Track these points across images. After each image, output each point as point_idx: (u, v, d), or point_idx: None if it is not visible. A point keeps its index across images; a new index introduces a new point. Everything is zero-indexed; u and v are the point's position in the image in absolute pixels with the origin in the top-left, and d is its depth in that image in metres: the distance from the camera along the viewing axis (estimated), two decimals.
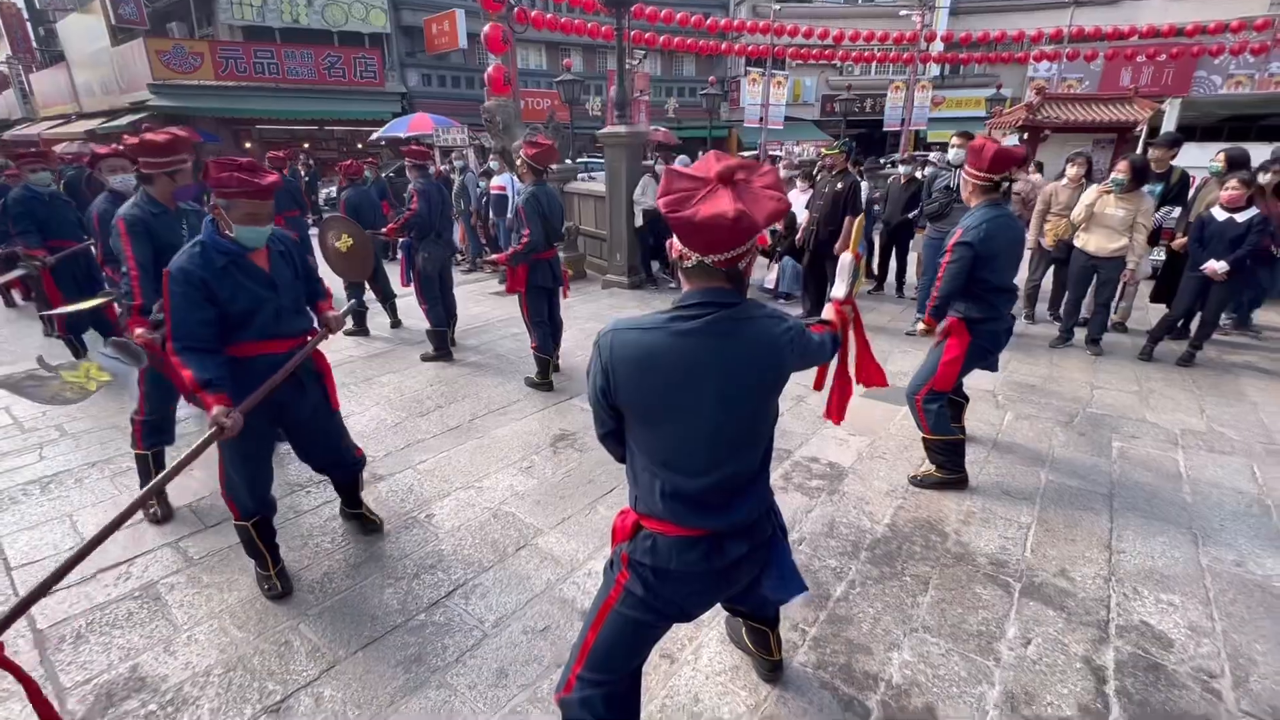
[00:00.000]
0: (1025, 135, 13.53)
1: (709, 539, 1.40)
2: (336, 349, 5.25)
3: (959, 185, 5.31)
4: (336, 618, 2.35)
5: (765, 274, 7.59)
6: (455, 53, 21.49)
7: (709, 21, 15.63)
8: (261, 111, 18.76)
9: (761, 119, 18.35)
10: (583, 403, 4.36)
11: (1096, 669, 2.10)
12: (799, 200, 7.33)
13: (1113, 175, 5.05)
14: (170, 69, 17.59)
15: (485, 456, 3.60)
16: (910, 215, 6.74)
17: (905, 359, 5.06)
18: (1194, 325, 5.14)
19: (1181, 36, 15.92)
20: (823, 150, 6.45)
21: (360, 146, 20.02)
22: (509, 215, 7.73)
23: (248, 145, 19.90)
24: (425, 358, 5.15)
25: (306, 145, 20.72)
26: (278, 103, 18.88)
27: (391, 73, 21.19)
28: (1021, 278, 4.15)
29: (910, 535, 2.83)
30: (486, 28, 9.47)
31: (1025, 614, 2.35)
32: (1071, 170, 5.69)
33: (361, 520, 2.90)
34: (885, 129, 20.18)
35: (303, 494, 3.20)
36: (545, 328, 4.35)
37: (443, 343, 5.11)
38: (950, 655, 2.16)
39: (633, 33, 13.50)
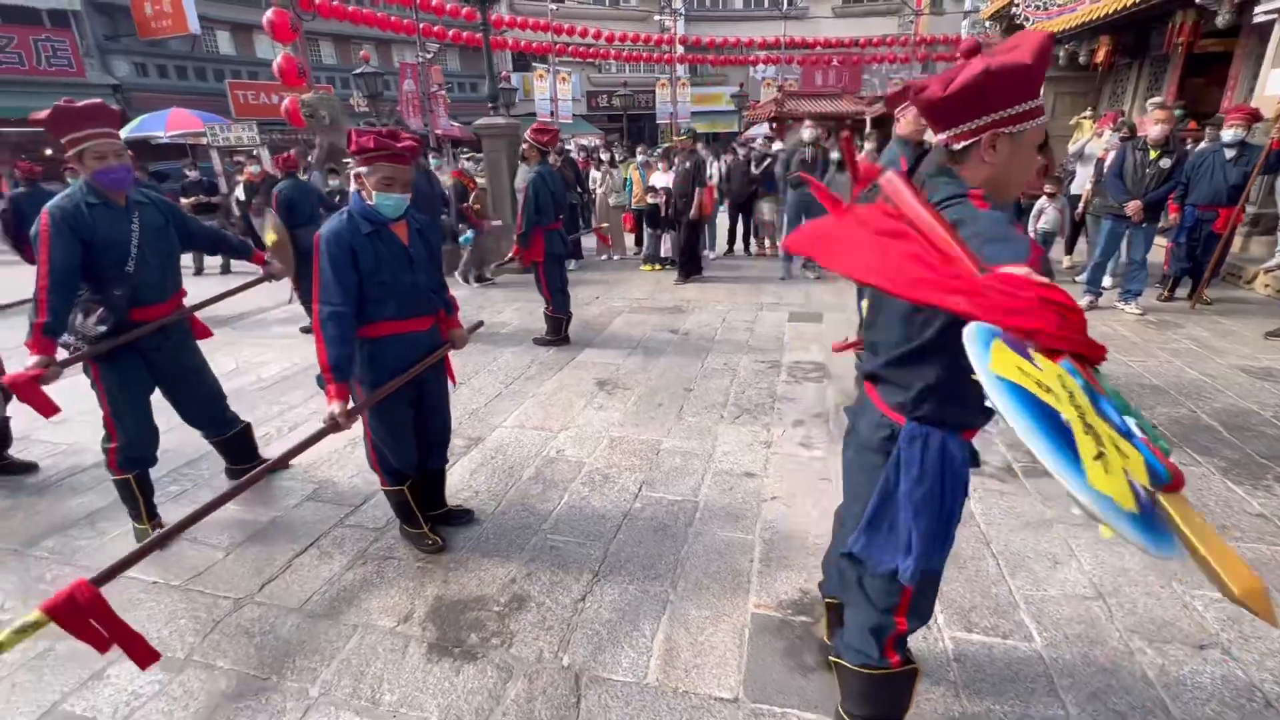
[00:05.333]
0: (776, 124, 16.64)
1: None
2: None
3: (813, 159, 6.93)
4: (573, 525, 2.77)
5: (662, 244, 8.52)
6: (180, 38, 18.17)
7: (494, 17, 15.91)
8: None
9: (552, 113, 19.32)
10: (596, 355, 4.85)
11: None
12: (665, 179, 8.48)
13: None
14: None
15: (551, 408, 3.99)
16: (755, 189, 8.41)
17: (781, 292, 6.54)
18: None
19: (857, 47, 20.91)
20: (675, 138, 7.66)
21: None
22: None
23: None
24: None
25: None
26: None
27: (90, 60, 17.20)
28: None
29: None
30: (270, 13, 8.72)
31: None
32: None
33: (449, 517, 2.81)
34: (658, 121, 22.71)
35: None
36: (565, 295, 4.89)
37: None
38: None
39: (420, 25, 13.22)
